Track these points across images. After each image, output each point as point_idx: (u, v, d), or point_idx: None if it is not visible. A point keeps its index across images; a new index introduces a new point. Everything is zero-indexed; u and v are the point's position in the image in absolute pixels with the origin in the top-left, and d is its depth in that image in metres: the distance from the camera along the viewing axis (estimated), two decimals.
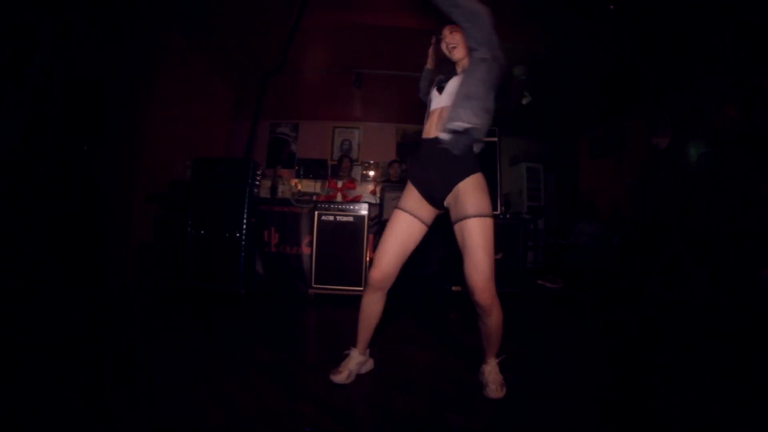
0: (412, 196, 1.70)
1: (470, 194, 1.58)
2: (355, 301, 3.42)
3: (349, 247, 3.60)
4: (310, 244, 3.72)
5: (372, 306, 1.73)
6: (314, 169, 5.74)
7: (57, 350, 1.96)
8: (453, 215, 1.63)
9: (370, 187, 4.91)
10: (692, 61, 4.56)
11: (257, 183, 3.90)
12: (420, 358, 2.12)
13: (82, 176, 3.62)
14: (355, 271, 3.57)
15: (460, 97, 1.60)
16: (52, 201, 3.33)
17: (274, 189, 3.86)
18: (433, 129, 1.67)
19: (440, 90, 1.71)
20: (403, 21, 4.27)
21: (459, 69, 1.74)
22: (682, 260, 4.03)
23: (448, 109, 1.63)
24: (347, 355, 1.76)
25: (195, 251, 3.69)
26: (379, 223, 3.90)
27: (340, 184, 4.30)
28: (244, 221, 3.64)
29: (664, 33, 4.31)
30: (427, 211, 1.69)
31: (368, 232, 3.65)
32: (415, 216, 1.68)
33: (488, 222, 1.56)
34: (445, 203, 1.65)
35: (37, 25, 3.35)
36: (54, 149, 3.45)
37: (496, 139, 4.24)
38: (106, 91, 3.87)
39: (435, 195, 1.65)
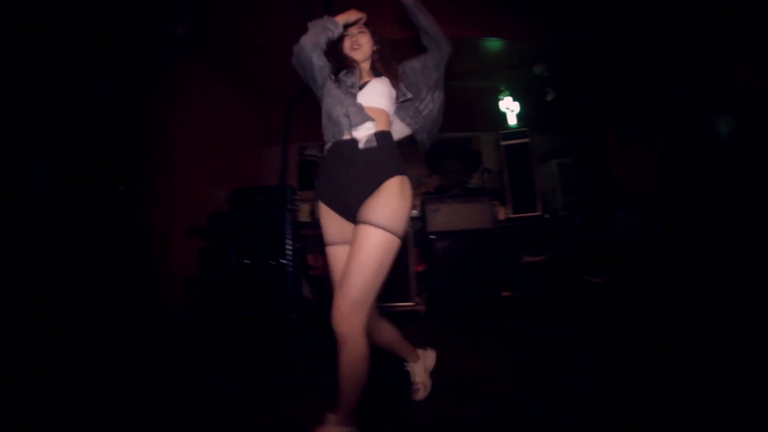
0: (330, 223, 1.46)
1: (383, 198, 1.31)
2: (405, 316, 3.44)
3: (394, 262, 3.58)
4: None
5: (379, 341, 1.59)
6: None
7: (105, 387, 2.02)
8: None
9: None
10: (715, 33, 4.40)
11: (296, 207, 3.96)
12: (475, 367, 2.07)
13: (122, 216, 3.73)
14: (403, 286, 3.57)
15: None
16: (96, 245, 3.41)
17: (313, 212, 3.90)
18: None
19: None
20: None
21: (363, 71, 1.62)
22: (728, 241, 3.89)
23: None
24: (407, 372, 1.72)
25: (241, 280, 3.75)
26: (423, 236, 3.86)
27: None
28: (288, 247, 3.69)
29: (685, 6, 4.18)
30: (351, 230, 1.39)
31: (413, 246, 3.65)
32: (345, 243, 1.43)
33: (385, 238, 1.28)
34: None
35: (58, 71, 3.44)
36: (90, 192, 3.54)
37: (527, 139, 4.20)
38: (134, 130, 4.01)
39: (352, 205, 1.36)
